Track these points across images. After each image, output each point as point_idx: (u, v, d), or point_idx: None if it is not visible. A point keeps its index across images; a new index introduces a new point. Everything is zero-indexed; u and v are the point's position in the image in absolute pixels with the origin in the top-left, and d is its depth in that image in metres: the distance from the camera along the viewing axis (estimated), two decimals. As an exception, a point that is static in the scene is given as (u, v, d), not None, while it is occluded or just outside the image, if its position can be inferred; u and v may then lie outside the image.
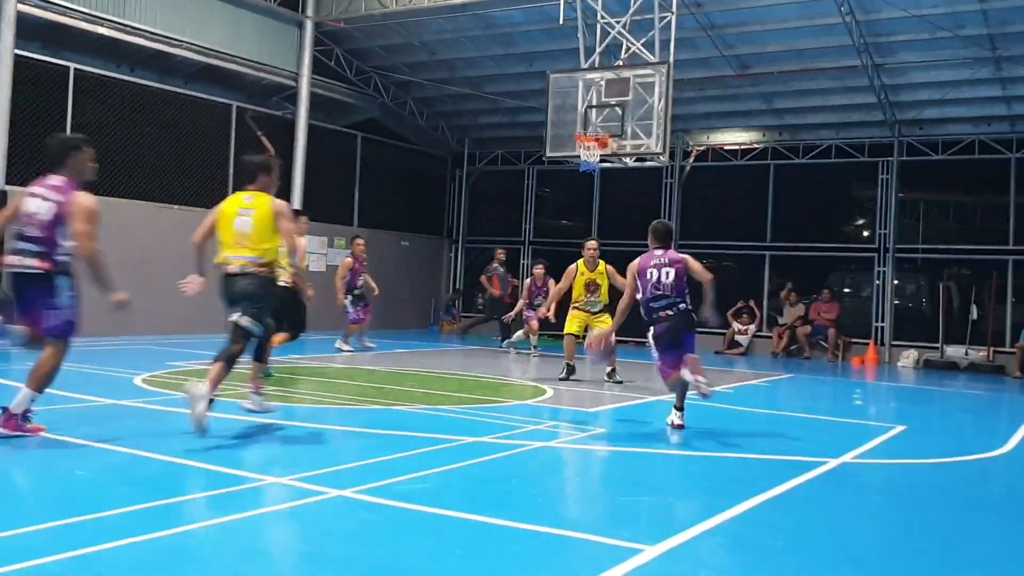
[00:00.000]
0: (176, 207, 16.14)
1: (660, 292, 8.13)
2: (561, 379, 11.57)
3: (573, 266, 12.28)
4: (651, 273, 8.21)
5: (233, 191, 17.03)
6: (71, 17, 14.62)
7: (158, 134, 16.11)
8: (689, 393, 8.09)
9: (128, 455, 5.91)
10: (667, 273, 8.18)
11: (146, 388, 9.02)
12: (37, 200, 6.28)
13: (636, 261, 8.43)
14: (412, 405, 8.94)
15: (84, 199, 6.30)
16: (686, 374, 7.91)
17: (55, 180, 6.34)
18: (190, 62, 16.80)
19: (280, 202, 7.05)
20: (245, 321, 6.85)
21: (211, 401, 6.53)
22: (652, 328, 8.20)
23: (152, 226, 15.62)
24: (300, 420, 7.88)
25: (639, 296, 8.28)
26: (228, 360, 6.77)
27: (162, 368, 10.70)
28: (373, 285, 14.63)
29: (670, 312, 8.11)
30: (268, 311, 7.10)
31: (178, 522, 4.30)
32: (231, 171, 17.30)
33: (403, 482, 5.41)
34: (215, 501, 4.77)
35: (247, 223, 6.91)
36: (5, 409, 6.20)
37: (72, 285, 6.32)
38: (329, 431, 7.41)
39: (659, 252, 8.36)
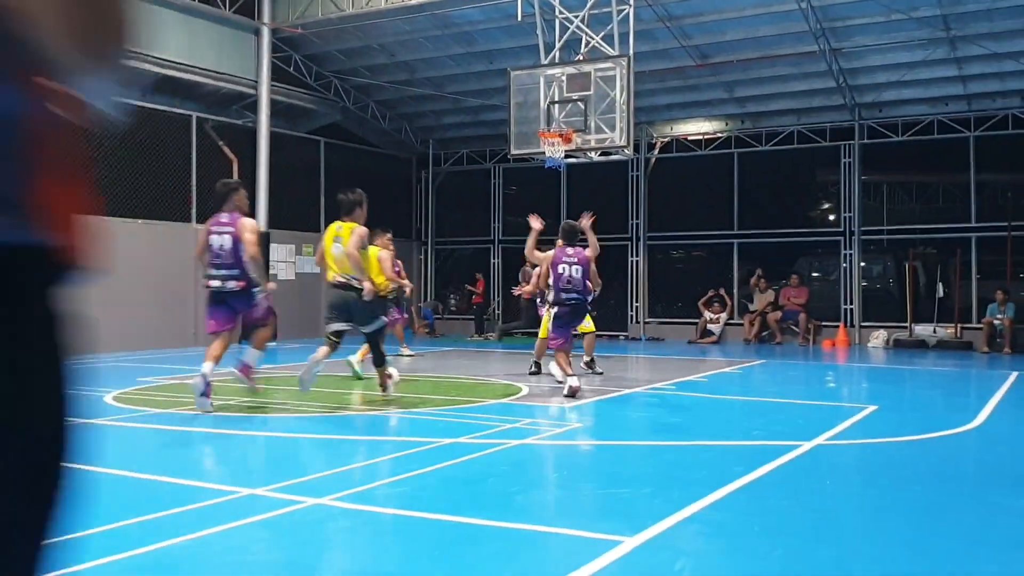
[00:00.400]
0: (140, 221, 16.00)
1: (570, 286, 9.99)
2: (531, 374, 11.69)
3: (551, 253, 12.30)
4: (562, 268, 10.00)
5: (196, 203, 17.07)
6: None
7: (118, 148, 15.93)
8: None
9: (100, 474, 5.85)
10: (576, 270, 10.00)
11: (118, 405, 8.93)
12: (216, 236, 8.41)
13: (551, 253, 10.20)
14: (386, 409, 8.92)
15: (248, 221, 8.60)
16: (555, 368, 10.18)
17: (223, 217, 8.50)
18: (147, 74, 16.64)
19: (361, 229, 8.92)
20: (369, 329, 8.92)
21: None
22: (557, 307, 10.03)
23: (116, 241, 15.46)
24: (274, 430, 7.85)
25: (550, 281, 10.16)
26: (380, 354, 9.10)
27: (133, 385, 10.59)
28: (403, 282, 13.14)
29: (573, 302, 10.03)
30: (378, 313, 9.04)
31: (155, 539, 4.26)
32: (194, 182, 17.18)
33: (380, 487, 5.39)
34: (192, 516, 4.73)
35: (339, 248, 8.80)
36: (243, 362, 8.82)
37: (258, 287, 8.51)
38: (304, 439, 7.38)
39: (570, 250, 10.09)
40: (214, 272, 8.39)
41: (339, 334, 8.85)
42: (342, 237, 8.78)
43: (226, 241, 8.34)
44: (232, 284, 8.33)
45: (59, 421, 1.21)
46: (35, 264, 1.17)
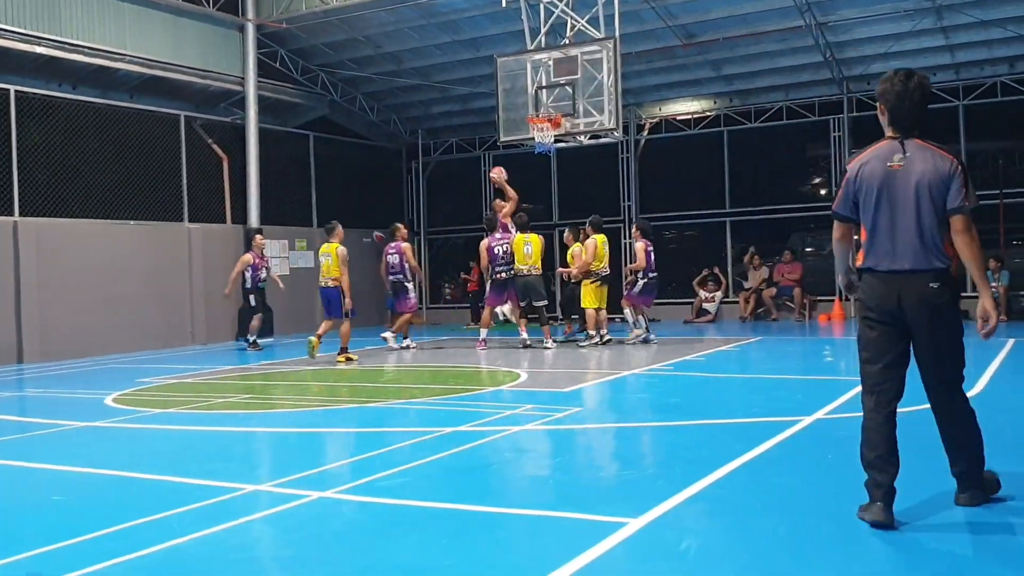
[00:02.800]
0: (132, 222, 15.96)
1: (503, 260, 13.86)
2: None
3: (592, 240, 13.97)
4: (498, 248, 13.92)
5: (188, 202, 17.04)
6: (6, 39, 14.35)
7: (107, 150, 15.90)
8: None
9: (104, 476, 5.86)
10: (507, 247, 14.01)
11: (118, 407, 8.94)
12: (392, 256, 14.21)
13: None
14: (387, 401, 8.93)
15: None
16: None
17: (391, 247, 14.19)
18: (133, 75, 16.58)
19: (540, 237, 13.99)
20: (542, 303, 13.92)
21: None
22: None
23: (109, 244, 15.45)
24: (277, 425, 7.85)
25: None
26: (546, 318, 14.05)
27: (132, 386, 10.60)
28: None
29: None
30: (543, 292, 13.92)
31: (162, 539, 4.27)
32: (184, 182, 17.15)
33: (384, 478, 5.41)
34: (197, 514, 4.74)
35: (530, 247, 13.75)
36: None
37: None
38: (306, 434, 7.39)
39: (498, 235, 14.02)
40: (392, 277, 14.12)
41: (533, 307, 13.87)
42: (532, 243, 13.71)
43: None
44: (404, 282, 14.11)
45: (961, 330, 4.70)
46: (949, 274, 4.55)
